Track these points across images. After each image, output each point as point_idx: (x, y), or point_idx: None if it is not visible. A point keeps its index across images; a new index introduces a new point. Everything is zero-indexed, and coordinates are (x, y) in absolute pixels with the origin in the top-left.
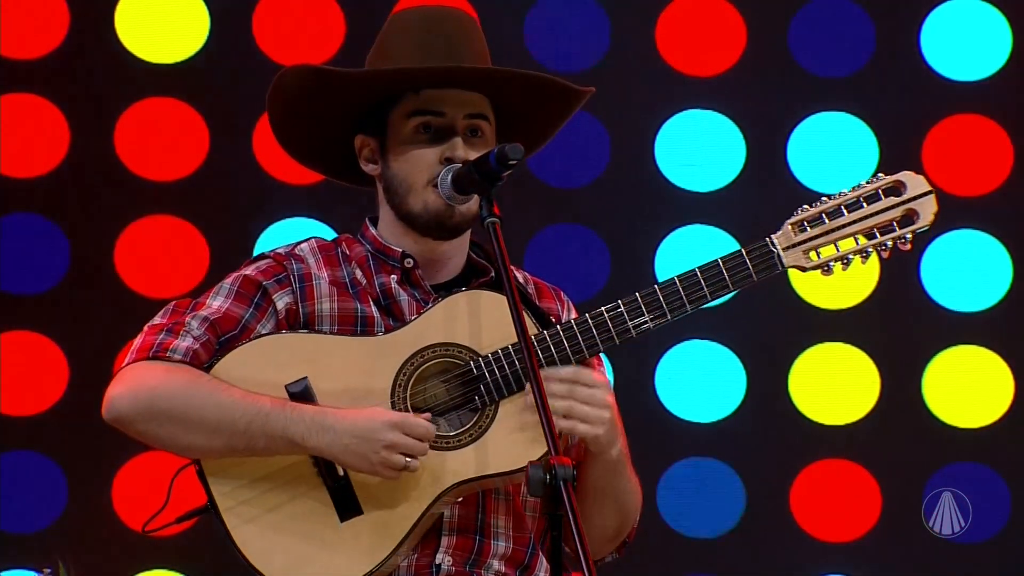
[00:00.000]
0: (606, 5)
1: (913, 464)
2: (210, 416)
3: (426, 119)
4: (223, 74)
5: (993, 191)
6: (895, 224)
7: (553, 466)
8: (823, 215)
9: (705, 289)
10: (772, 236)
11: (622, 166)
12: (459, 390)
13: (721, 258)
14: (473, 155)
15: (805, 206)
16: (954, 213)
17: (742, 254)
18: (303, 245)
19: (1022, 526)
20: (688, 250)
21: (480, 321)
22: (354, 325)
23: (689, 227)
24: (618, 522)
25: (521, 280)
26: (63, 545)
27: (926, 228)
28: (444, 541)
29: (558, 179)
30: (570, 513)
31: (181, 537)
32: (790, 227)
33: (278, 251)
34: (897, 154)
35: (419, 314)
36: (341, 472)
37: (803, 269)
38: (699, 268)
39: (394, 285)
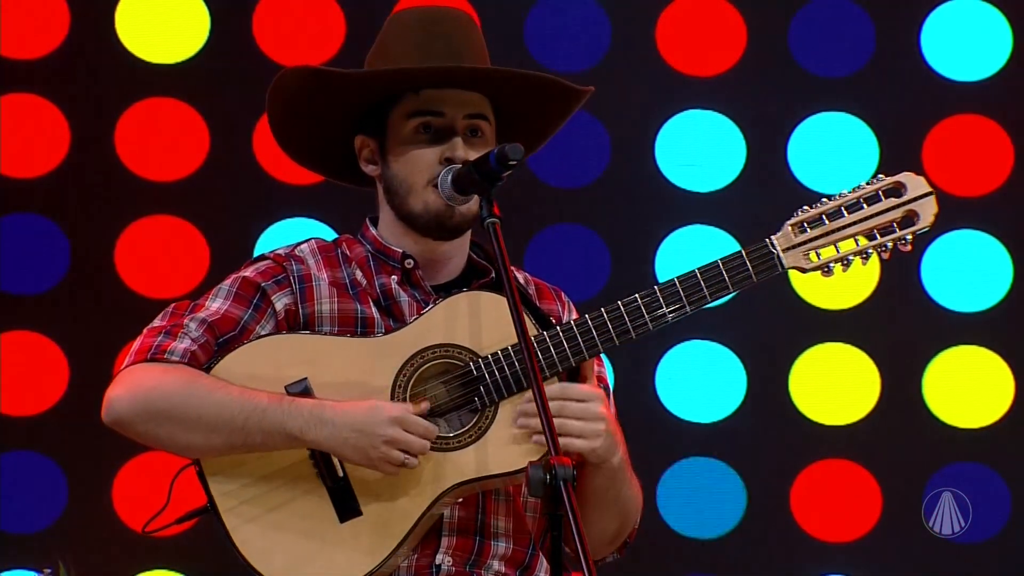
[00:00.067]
0: (606, 5)
1: (913, 464)
2: (208, 414)
3: (426, 119)
4: (223, 74)
5: (993, 191)
6: (895, 225)
7: (553, 466)
8: (823, 216)
9: (705, 290)
10: (772, 237)
11: (622, 166)
12: (459, 391)
13: (721, 259)
14: (473, 155)
15: (805, 207)
16: (954, 213)
17: (742, 255)
18: (303, 246)
19: (1022, 526)
20: (688, 250)
21: (480, 322)
22: (354, 326)
23: (689, 227)
24: (618, 525)
25: (522, 281)
26: (63, 545)
27: (926, 229)
28: (444, 542)
29: (558, 179)
30: (570, 513)
31: (181, 537)
32: (790, 228)
33: (278, 252)
34: (897, 154)
35: (419, 315)
36: (341, 472)
37: (803, 270)
38: (699, 269)
39: (394, 286)
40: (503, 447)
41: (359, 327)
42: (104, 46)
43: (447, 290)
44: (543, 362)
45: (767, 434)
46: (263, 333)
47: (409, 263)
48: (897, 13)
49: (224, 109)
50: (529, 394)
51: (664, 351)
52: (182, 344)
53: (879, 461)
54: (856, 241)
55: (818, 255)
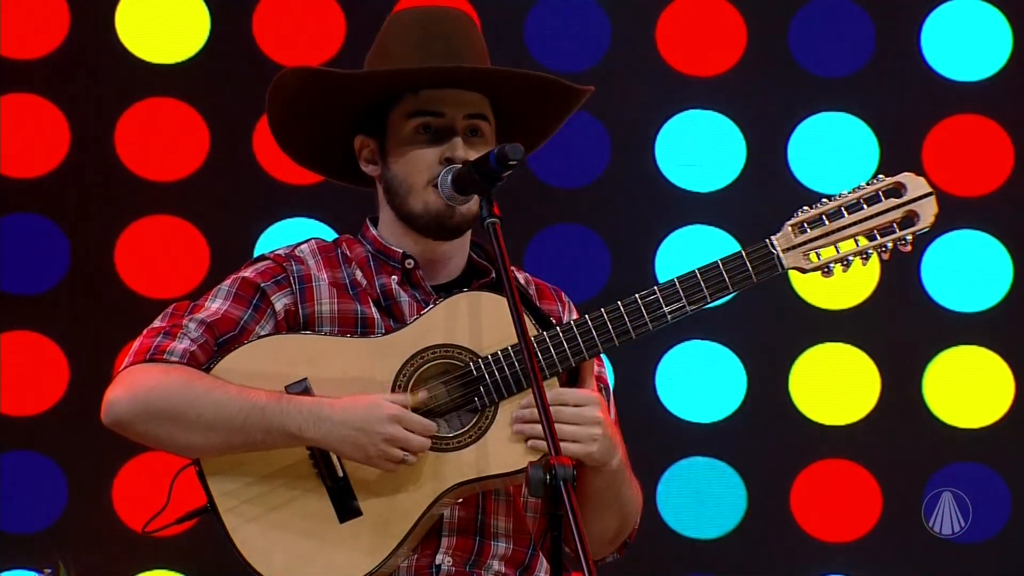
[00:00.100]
0: (606, 5)
1: (913, 464)
2: (207, 413)
3: (426, 119)
4: (223, 74)
5: (993, 191)
6: (895, 225)
7: (553, 466)
8: (823, 216)
9: (705, 290)
10: (772, 237)
11: (622, 166)
12: (459, 391)
13: (721, 259)
14: (473, 155)
15: (805, 207)
16: (954, 213)
17: (742, 255)
18: (303, 246)
19: (1022, 526)
20: (688, 250)
21: (480, 322)
22: (354, 326)
23: (689, 227)
24: (618, 525)
25: (522, 281)
26: (63, 545)
27: (926, 230)
28: (444, 542)
29: (558, 179)
30: (570, 513)
31: (181, 537)
32: (790, 228)
33: (278, 252)
34: (897, 154)
35: (419, 315)
36: (341, 472)
37: (803, 271)
38: (699, 269)
39: (395, 286)
40: (503, 447)
41: (359, 327)
42: (104, 46)
43: (447, 290)
44: (543, 362)
45: (767, 434)
46: (263, 333)
47: (409, 263)
48: (897, 13)
49: (224, 109)
50: (527, 397)
51: (664, 351)
52: (181, 344)
53: (879, 461)
54: (856, 241)
55: (818, 255)
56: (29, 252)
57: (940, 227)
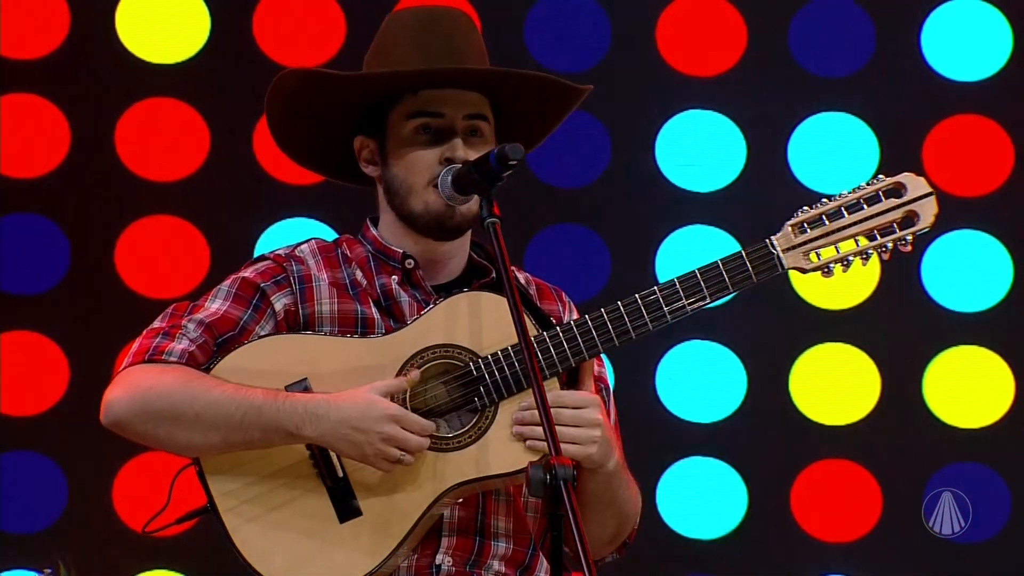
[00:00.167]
0: (606, 5)
1: (913, 464)
2: (205, 412)
3: (425, 120)
4: (223, 74)
5: (993, 191)
6: (895, 226)
7: (553, 466)
8: (823, 216)
9: (705, 291)
10: (772, 237)
11: (622, 166)
12: (459, 391)
13: (721, 260)
14: (473, 155)
15: (805, 207)
16: (954, 213)
17: (742, 255)
18: (303, 246)
19: (1022, 526)
20: (688, 250)
21: (480, 322)
22: (354, 327)
23: (689, 227)
24: (617, 526)
25: (523, 281)
26: (63, 545)
27: (926, 230)
28: (444, 542)
29: (558, 179)
30: (570, 513)
31: (181, 537)
32: (790, 228)
33: (278, 252)
34: (897, 154)
35: (419, 315)
36: (341, 472)
37: (803, 271)
38: (699, 269)
39: (395, 286)
40: (503, 447)
41: (359, 327)
42: (104, 46)
43: (448, 290)
44: (543, 362)
45: (767, 434)
46: (263, 333)
47: (410, 263)
48: (897, 13)
49: (224, 109)
50: (528, 398)
51: (664, 351)
52: (180, 345)
53: (879, 461)
54: (856, 241)
55: (818, 255)
56: (29, 252)
57: (940, 227)
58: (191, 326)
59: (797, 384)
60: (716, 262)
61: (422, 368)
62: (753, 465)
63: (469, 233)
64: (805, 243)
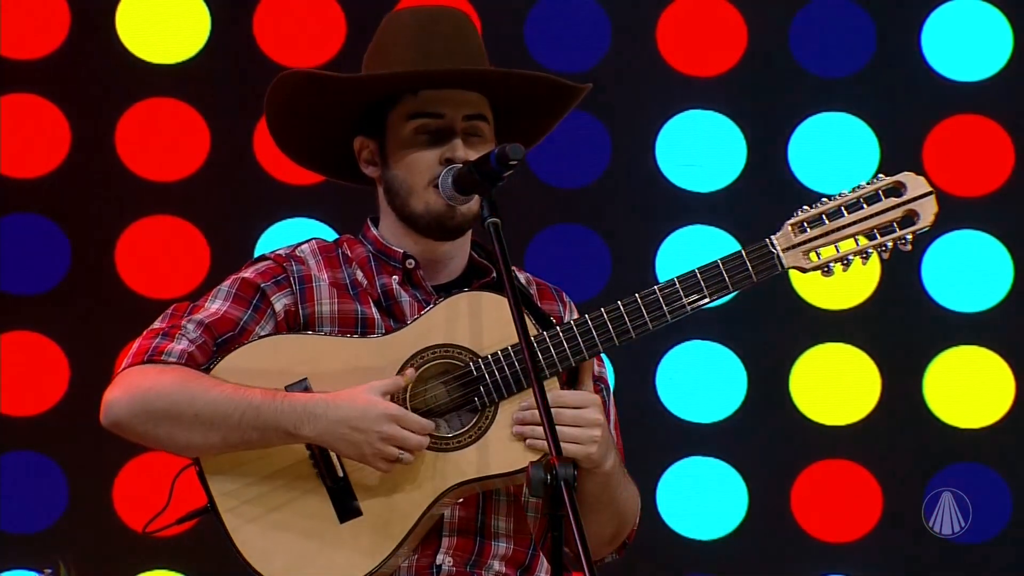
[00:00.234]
0: (606, 5)
1: (913, 464)
2: (204, 412)
3: (425, 121)
4: (223, 74)
5: (994, 191)
6: (895, 225)
7: (554, 466)
8: (823, 216)
9: (705, 290)
10: (772, 237)
11: (622, 166)
12: (459, 391)
13: (721, 259)
14: (473, 155)
15: (805, 207)
16: (955, 213)
17: (742, 255)
18: (304, 246)
19: (1022, 526)
20: (688, 250)
21: (481, 322)
22: (354, 327)
23: (689, 227)
24: (615, 526)
25: (523, 281)
26: (63, 545)
27: (926, 229)
28: (444, 542)
29: (558, 179)
30: (571, 513)
31: (181, 538)
32: (790, 228)
33: (278, 252)
34: (898, 154)
35: (419, 315)
36: (341, 472)
37: (803, 270)
38: (699, 269)
39: (395, 286)
40: (503, 447)
41: (359, 327)
42: (104, 46)
43: (448, 290)
44: (543, 362)
45: (767, 434)
46: (263, 334)
47: (410, 263)
48: (897, 13)
49: (224, 109)
50: (528, 398)
51: (664, 351)
52: (179, 345)
53: (879, 461)
54: (856, 241)
55: (818, 255)
56: (29, 252)
57: (940, 227)
58: (191, 327)
59: (797, 384)
60: (716, 261)
61: (422, 368)
62: (753, 465)
63: (469, 233)
64: (805, 242)
